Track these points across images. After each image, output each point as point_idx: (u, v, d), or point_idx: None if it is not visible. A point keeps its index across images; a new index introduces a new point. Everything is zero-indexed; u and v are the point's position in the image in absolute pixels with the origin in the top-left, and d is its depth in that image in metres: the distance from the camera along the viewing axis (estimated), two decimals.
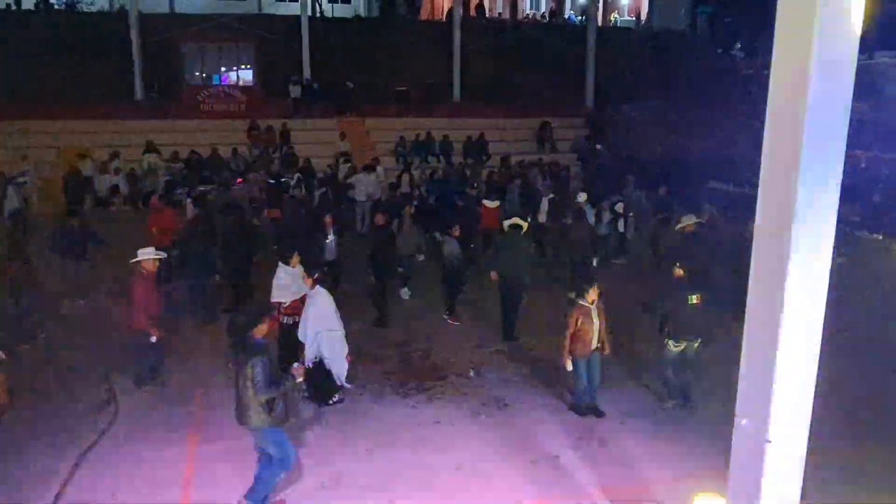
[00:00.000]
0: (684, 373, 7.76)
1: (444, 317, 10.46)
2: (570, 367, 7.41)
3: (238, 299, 10.17)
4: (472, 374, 8.59)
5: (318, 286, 7.60)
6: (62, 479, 6.23)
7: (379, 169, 17.58)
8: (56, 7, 31.39)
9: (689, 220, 10.84)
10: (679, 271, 7.76)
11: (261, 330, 5.67)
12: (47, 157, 19.49)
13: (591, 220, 12.56)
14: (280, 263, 8.30)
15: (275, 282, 8.23)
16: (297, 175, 16.84)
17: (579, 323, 7.26)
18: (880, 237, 14.70)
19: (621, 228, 13.58)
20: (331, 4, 35.59)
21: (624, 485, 6.30)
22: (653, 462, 6.64)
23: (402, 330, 9.98)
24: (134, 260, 8.03)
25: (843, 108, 3.70)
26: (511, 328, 9.76)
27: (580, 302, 7.37)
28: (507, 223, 10.34)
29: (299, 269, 8.15)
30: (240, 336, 5.68)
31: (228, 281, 10.47)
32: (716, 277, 9.32)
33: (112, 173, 18.60)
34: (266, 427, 5.64)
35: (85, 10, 31.22)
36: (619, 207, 13.55)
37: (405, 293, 11.32)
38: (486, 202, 13.42)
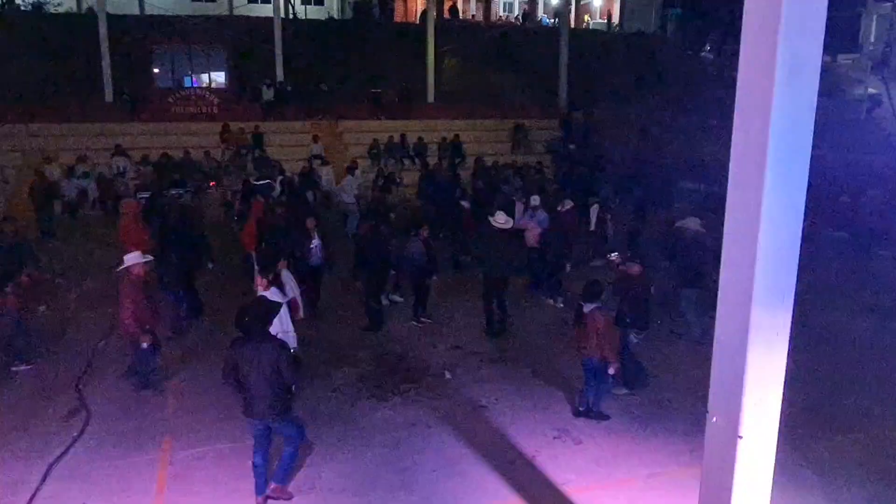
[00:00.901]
0: (636, 363, 8.09)
1: (413, 322, 10.26)
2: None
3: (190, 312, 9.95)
4: (447, 375, 8.60)
5: (272, 288, 7.68)
6: (32, 489, 6.10)
7: (357, 171, 17.58)
8: (22, 8, 30.79)
9: (693, 223, 10.85)
10: (634, 268, 8.05)
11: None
12: (13, 162, 19.10)
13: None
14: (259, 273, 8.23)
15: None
16: (279, 178, 16.63)
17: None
18: (845, 235, 15.05)
19: (593, 228, 13.68)
20: (304, 6, 35.43)
21: (600, 483, 6.35)
22: (628, 460, 6.71)
23: (378, 332, 9.96)
24: (121, 267, 7.89)
25: (809, 108, 3.78)
26: (491, 324, 9.93)
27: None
28: (492, 220, 10.46)
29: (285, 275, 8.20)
30: (261, 328, 5.71)
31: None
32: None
33: (80, 177, 18.28)
34: (290, 411, 5.93)
35: (52, 11, 30.68)
36: (595, 209, 13.65)
37: (395, 298, 11.18)
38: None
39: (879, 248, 14.16)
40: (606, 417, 7.45)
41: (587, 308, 7.25)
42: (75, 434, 7.05)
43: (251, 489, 6.08)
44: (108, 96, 23.52)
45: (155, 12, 30.63)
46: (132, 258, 7.85)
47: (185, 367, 8.72)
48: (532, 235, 11.59)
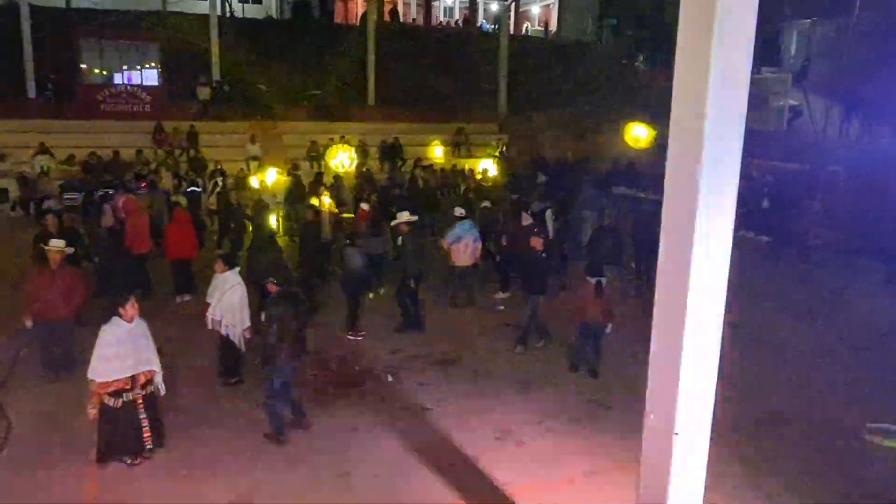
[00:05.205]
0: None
1: (348, 335, 9.89)
2: None
3: None
4: (389, 378, 8.56)
5: (228, 272, 8.05)
6: None
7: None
8: None
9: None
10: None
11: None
12: None
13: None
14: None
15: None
16: (214, 181, 16.20)
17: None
18: (769, 239, 15.78)
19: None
20: (241, 5, 34.67)
21: (541, 483, 6.44)
22: (568, 459, 6.83)
23: (318, 337, 9.81)
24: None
25: (739, 117, 3.96)
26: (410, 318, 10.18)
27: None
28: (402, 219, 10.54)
29: (229, 275, 8.14)
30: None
31: None
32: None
33: None
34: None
35: None
36: (549, 214, 13.77)
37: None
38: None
39: (801, 251, 14.86)
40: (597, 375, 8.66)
41: (604, 280, 8.63)
42: None
43: (185, 501, 5.91)
44: (31, 91, 22.41)
45: (83, 5, 29.39)
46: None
47: None
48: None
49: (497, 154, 23.61)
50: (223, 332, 8.03)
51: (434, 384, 8.47)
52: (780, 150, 18.73)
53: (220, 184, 15.82)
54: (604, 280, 8.71)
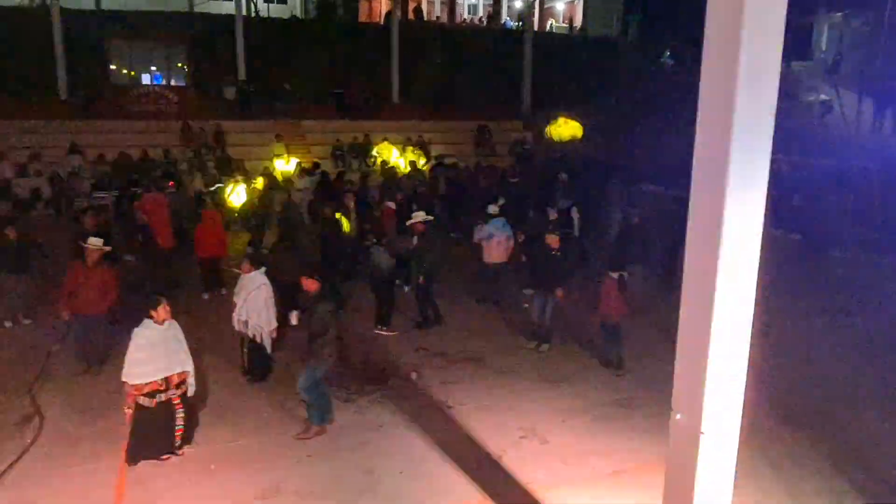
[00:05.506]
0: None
1: (377, 330, 10.05)
2: None
3: None
4: (413, 376, 8.59)
5: (254, 272, 8.07)
6: None
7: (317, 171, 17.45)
8: None
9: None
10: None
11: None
12: None
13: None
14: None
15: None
16: (235, 179, 16.36)
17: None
18: (799, 237, 15.48)
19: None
20: (267, 4, 34.99)
21: (565, 482, 6.41)
22: (593, 458, 6.79)
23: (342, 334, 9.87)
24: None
25: (769, 112, 3.88)
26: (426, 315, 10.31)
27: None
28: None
29: (255, 275, 8.22)
30: None
31: None
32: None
33: (33, 175, 17.71)
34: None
35: (3, 4, 29.64)
36: (575, 211, 13.68)
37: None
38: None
39: (833, 249, 14.57)
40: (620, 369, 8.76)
41: (626, 275, 8.65)
42: (28, 441, 6.84)
43: (213, 494, 6.00)
44: (63, 93, 22.85)
45: (111, 7, 29.86)
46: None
47: None
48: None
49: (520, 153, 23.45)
50: (249, 333, 8.10)
51: (458, 382, 8.47)
52: (811, 146, 18.38)
53: (243, 182, 15.98)
54: (626, 275, 8.65)
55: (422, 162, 21.23)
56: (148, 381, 6.38)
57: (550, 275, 9.31)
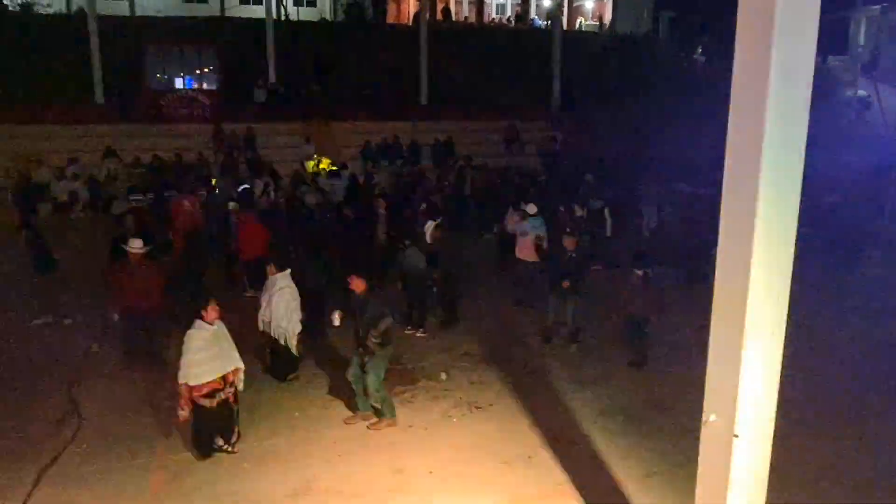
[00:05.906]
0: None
1: (407, 331, 9.93)
2: None
3: None
4: (443, 377, 8.59)
5: (279, 274, 8.08)
6: (24, 494, 6.06)
7: (344, 172, 17.56)
8: (11, 9, 30.57)
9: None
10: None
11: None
12: (2, 163, 18.94)
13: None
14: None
15: None
16: (266, 181, 16.55)
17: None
18: (833, 237, 15.10)
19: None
20: (296, 8, 35.39)
21: (596, 483, 6.36)
22: (624, 460, 6.73)
23: None
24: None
25: (803, 109, 3.81)
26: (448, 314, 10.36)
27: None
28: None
29: (279, 277, 8.25)
30: None
31: None
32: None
33: (70, 179, 18.14)
34: None
35: (42, 11, 30.47)
36: (607, 213, 13.54)
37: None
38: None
39: (868, 248, 14.21)
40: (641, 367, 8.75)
41: (650, 272, 8.68)
42: (67, 439, 7.00)
43: (246, 492, 6.07)
44: (99, 97, 23.37)
45: (146, 13, 30.48)
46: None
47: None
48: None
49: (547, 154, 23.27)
50: (273, 334, 8.16)
51: (487, 382, 8.45)
52: (848, 144, 17.95)
53: (272, 184, 16.14)
54: (650, 272, 8.60)
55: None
56: (207, 380, 6.49)
57: (564, 276, 9.25)
